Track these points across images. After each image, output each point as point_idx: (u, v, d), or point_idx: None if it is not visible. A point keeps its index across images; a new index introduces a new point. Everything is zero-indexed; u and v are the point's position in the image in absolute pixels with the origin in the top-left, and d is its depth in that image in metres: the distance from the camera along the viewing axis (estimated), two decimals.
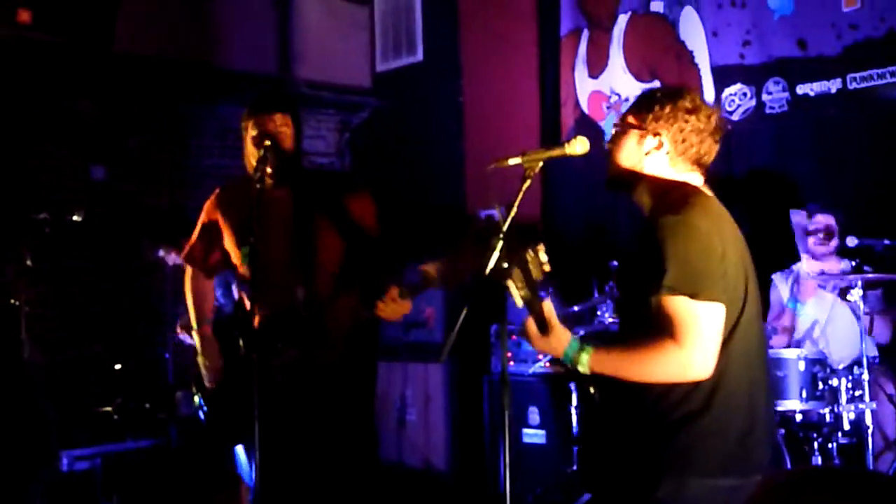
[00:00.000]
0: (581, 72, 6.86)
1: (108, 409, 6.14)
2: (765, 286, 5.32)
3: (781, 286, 5.38)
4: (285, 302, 3.72)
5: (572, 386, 5.60)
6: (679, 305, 2.54)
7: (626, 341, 2.68)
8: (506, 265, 2.67)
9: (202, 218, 4.01)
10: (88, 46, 6.55)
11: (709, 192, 2.76)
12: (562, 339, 2.70)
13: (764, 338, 2.80)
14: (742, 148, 5.96)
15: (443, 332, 6.56)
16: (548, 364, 5.78)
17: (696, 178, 2.78)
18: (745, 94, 5.98)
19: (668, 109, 2.73)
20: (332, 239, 3.81)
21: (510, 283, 2.67)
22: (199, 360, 3.98)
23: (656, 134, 2.74)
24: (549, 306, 2.71)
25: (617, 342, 2.71)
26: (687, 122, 2.72)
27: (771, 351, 4.79)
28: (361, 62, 8.30)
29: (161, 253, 5.53)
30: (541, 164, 2.78)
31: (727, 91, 6.06)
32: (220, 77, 7.34)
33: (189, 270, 4.08)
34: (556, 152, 2.81)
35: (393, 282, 3.63)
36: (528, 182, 2.77)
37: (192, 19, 7.26)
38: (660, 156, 2.75)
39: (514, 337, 5.97)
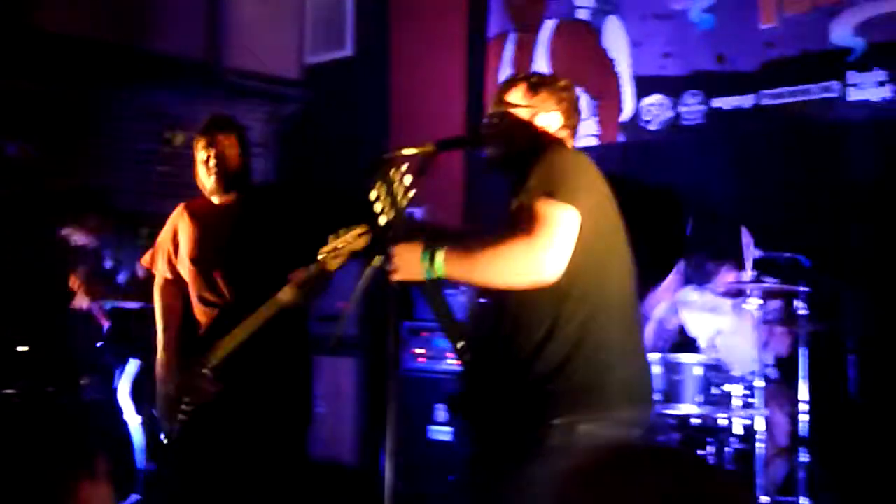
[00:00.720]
0: (507, 75, 6.95)
1: (11, 391, 6.09)
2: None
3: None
4: (225, 313, 3.94)
5: None
6: (535, 203, 2.64)
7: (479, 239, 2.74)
8: (374, 183, 2.77)
9: (166, 228, 4.20)
10: (7, 24, 6.51)
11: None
12: (415, 249, 2.75)
13: (635, 296, 2.89)
14: (659, 157, 6.12)
15: (357, 326, 6.62)
16: (458, 362, 5.83)
17: (570, 140, 3.00)
18: (662, 105, 6.12)
19: (551, 88, 2.97)
20: (272, 252, 3.98)
21: (372, 196, 2.77)
22: (158, 370, 4.03)
23: (551, 109, 2.95)
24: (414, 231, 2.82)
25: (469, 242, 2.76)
26: (569, 99, 3.00)
27: (669, 355, 4.93)
28: (291, 53, 8.29)
29: (65, 231, 5.46)
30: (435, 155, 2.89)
31: (646, 101, 6.20)
32: (145, 60, 7.32)
33: (158, 283, 4.19)
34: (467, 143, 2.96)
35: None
36: (424, 168, 2.88)
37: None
38: (551, 128, 2.94)
39: (424, 333, 6.08)
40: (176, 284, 4.13)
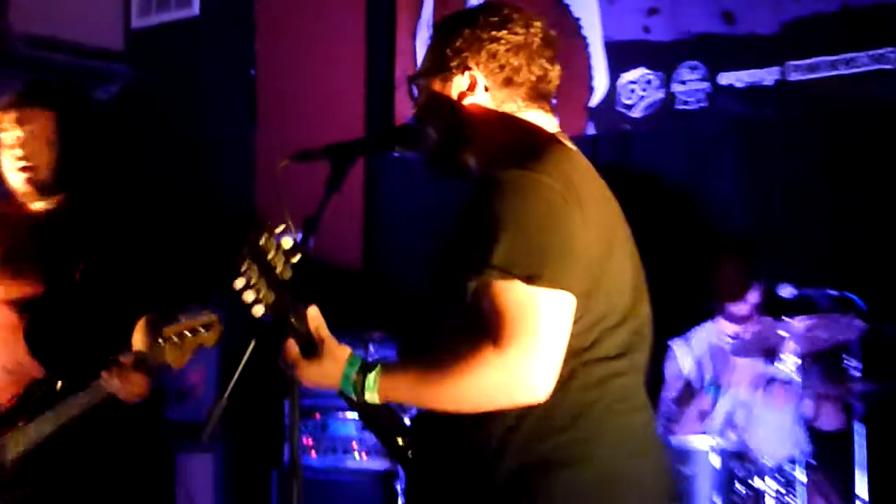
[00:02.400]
0: (426, 39, 6.86)
1: None
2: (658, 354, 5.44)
3: (683, 357, 5.55)
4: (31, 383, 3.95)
5: (398, 487, 5.66)
6: (508, 293, 2.48)
7: (430, 354, 2.66)
8: (241, 264, 2.65)
9: None
10: None
11: (567, 142, 2.75)
12: (338, 358, 2.66)
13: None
14: (643, 156, 6.11)
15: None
16: (363, 455, 5.86)
17: (543, 119, 2.78)
18: (649, 83, 6.11)
19: (467, 32, 2.73)
20: (98, 276, 4.01)
21: (238, 285, 2.64)
22: None
23: (464, 69, 2.73)
24: (315, 315, 2.71)
25: (417, 356, 2.72)
26: (498, 39, 2.71)
27: (674, 440, 4.92)
28: (110, 14, 8.24)
29: None
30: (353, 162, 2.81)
31: (625, 77, 6.19)
32: None
33: None
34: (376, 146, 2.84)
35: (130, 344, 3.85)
36: (334, 187, 2.78)
37: None
38: (478, 97, 2.74)
39: (317, 416, 6.07)
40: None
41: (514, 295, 2.47)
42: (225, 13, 7.74)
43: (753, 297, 5.42)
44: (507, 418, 2.58)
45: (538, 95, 2.77)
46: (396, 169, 6.73)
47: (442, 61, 2.76)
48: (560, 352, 2.50)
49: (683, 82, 5.99)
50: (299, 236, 2.78)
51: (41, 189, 4.01)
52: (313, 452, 6.05)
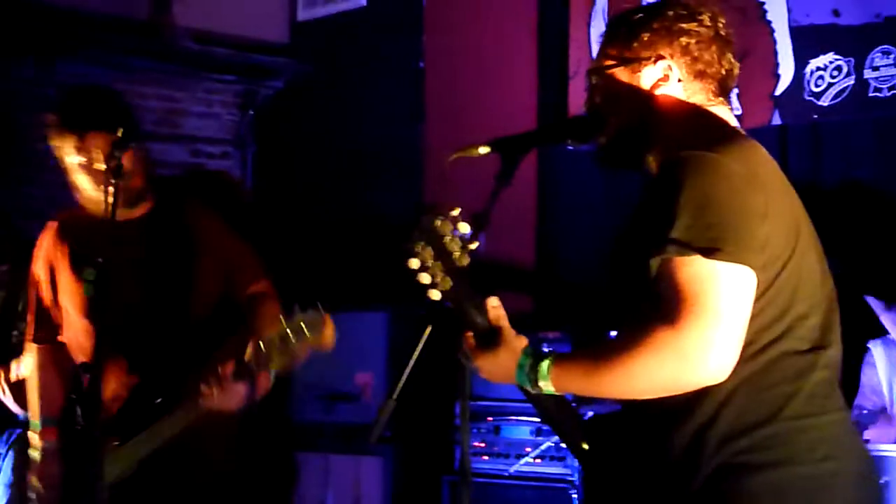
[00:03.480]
0: (601, 28, 6.84)
1: None
2: (856, 357, 5.37)
3: (881, 361, 5.41)
4: (131, 370, 4.09)
5: (573, 495, 5.68)
6: (688, 269, 2.52)
7: (602, 342, 2.76)
8: (413, 246, 2.72)
9: (35, 273, 4.33)
10: None
11: (751, 139, 2.78)
12: (515, 348, 2.74)
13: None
14: (834, 147, 6.05)
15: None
16: (537, 459, 5.88)
17: (727, 115, 2.84)
18: (839, 69, 6.02)
19: (657, 24, 2.81)
20: (205, 279, 4.17)
21: (414, 265, 2.71)
22: (34, 478, 4.15)
23: (658, 58, 2.80)
24: (496, 305, 2.78)
25: (590, 345, 2.80)
26: (689, 32, 2.79)
27: (868, 446, 4.82)
28: (275, 6, 8.42)
29: None
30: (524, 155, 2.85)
31: (813, 63, 6.11)
32: (65, 21, 7.33)
33: (36, 354, 4.32)
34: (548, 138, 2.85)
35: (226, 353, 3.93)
36: (504, 182, 2.81)
37: None
38: (671, 88, 2.80)
39: (489, 419, 6.13)
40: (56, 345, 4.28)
41: (693, 269, 2.50)
42: (393, 3, 7.86)
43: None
44: (701, 415, 2.61)
45: (724, 90, 2.85)
46: (572, 163, 6.72)
47: (631, 52, 2.82)
48: (741, 328, 2.52)
49: (876, 68, 5.89)
50: (470, 233, 2.82)
51: (131, 201, 4.09)
52: (485, 457, 6.11)
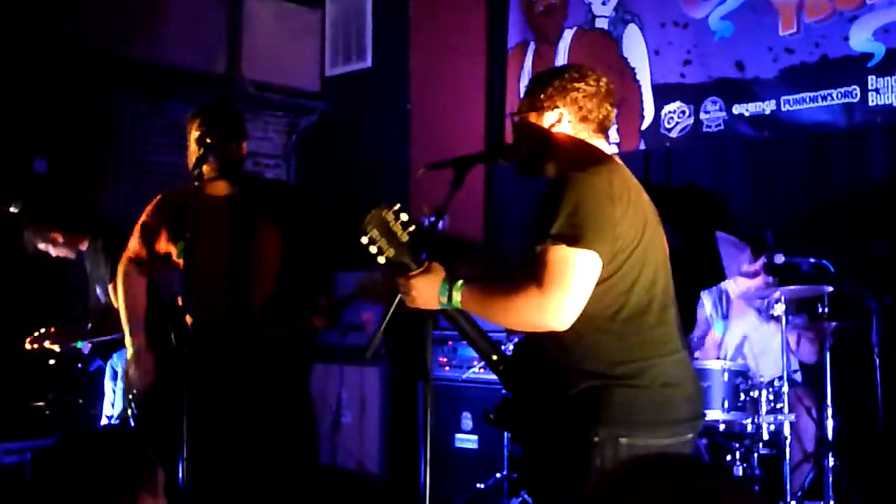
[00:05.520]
0: (527, 84, 6.94)
1: (40, 403, 6.09)
2: (692, 302, 5.47)
3: (707, 303, 5.49)
4: (219, 307, 3.82)
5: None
6: (556, 253, 2.55)
7: (496, 282, 2.71)
8: (366, 228, 2.73)
9: (142, 219, 4.06)
10: (34, 38, 6.56)
11: (618, 161, 2.80)
12: (438, 272, 2.72)
13: (673, 303, 2.81)
14: (680, 165, 6.10)
15: (380, 336, 6.61)
16: (481, 370, 5.87)
17: (604, 146, 2.85)
18: (683, 112, 6.10)
19: (557, 83, 2.81)
20: (270, 246, 3.92)
21: (364, 240, 2.73)
22: (130, 370, 3.92)
23: (553, 107, 2.80)
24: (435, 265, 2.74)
25: (490, 283, 2.73)
26: (578, 89, 2.79)
27: (696, 362, 4.88)
28: (311, 66, 8.36)
29: (41, 246, 5.35)
30: (469, 169, 2.87)
31: (667, 108, 6.18)
32: (168, 74, 7.37)
33: (123, 271, 4.06)
34: (486, 158, 2.90)
35: (324, 293, 3.78)
36: (456, 187, 2.84)
37: (141, 15, 7.27)
38: (563, 127, 2.81)
39: (450, 343, 6.12)
40: (148, 272, 4.03)
41: (560, 253, 2.55)
42: (389, 65, 7.83)
43: (760, 262, 5.32)
44: (579, 353, 2.65)
45: (602, 129, 2.85)
46: (508, 173, 6.70)
47: (538, 102, 2.82)
48: (584, 295, 2.56)
49: (707, 112, 5.99)
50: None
51: (216, 173, 3.88)
52: (446, 368, 6.13)
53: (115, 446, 1.64)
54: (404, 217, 2.75)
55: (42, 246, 5.25)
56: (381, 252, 2.74)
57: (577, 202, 2.58)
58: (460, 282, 2.69)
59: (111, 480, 1.59)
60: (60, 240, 5.19)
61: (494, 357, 2.86)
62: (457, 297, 2.68)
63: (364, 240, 2.74)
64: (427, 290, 2.72)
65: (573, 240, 2.55)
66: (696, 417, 2.76)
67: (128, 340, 3.94)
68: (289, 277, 3.92)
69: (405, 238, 2.74)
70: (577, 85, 2.80)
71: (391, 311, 2.83)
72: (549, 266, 2.56)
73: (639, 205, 2.72)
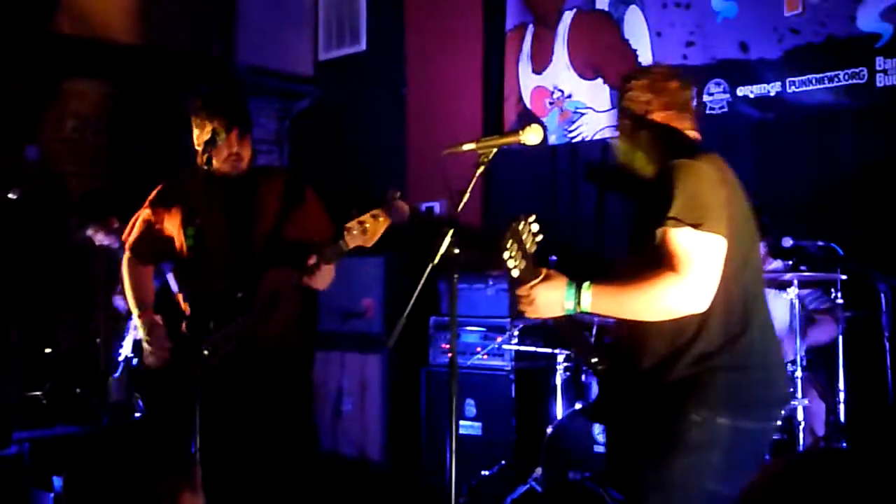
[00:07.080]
0: (525, 67, 6.85)
1: (38, 393, 6.00)
2: None
3: None
4: (222, 286, 3.80)
5: (512, 379, 5.73)
6: (682, 236, 2.63)
7: (624, 277, 2.74)
8: (506, 242, 2.72)
9: (145, 206, 4.04)
10: (27, 27, 6.43)
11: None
12: (560, 279, 2.74)
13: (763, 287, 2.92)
14: None
15: (381, 323, 6.56)
16: (485, 356, 5.83)
17: (692, 132, 3.00)
18: None
19: (645, 81, 2.97)
20: (272, 227, 3.91)
21: (505, 256, 2.71)
22: (145, 345, 3.90)
23: (648, 103, 2.93)
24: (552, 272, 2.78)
25: (614, 279, 2.75)
26: (668, 87, 2.98)
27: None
28: (304, 50, 8.26)
29: (89, 232, 5.34)
30: (495, 150, 2.79)
31: None
32: (159, 57, 7.23)
33: (126, 257, 4.07)
34: (510, 139, 2.82)
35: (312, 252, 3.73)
36: (481, 168, 2.79)
37: (135, 0, 7.16)
38: (659, 115, 2.94)
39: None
40: (147, 260, 4.05)
41: (686, 237, 2.63)
42: (384, 49, 7.74)
43: (764, 245, 5.26)
44: (684, 336, 2.74)
45: (679, 107, 2.99)
46: (505, 163, 6.67)
47: (632, 98, 2.96)
48: (716, 278, 2.64)
49: (711, 94, 5.90)
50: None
51: (239, 166, 3.90)
52: (449, 354, 6.02)
53: (157, 443, 1.59)
54: (535, 227, 2.73)
55: (91, 231, 5.25)
56: (516, 267, 2.73)
57: (692, 186, 2.68)
58: (587, 283, 2.71)
59: (152, 478, 1.53)
60: (115, 225, 5.10)
61: (594, 360, 2.94)
62: (586, 299, 2.69)
63: (505, 255, 2.73)
64: (551, 298, 2.72)
65: (697, 224, 2.63)
66: (787, 399, 2.96)
67: (138, 321, 3.95)
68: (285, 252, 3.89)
69: (533, 248, 2.73)
70: (666, 84, 3.00)
71: (413, 299, 2.85)
72: (680, 249, 2.63)
73: (737, 190, 2.85)
